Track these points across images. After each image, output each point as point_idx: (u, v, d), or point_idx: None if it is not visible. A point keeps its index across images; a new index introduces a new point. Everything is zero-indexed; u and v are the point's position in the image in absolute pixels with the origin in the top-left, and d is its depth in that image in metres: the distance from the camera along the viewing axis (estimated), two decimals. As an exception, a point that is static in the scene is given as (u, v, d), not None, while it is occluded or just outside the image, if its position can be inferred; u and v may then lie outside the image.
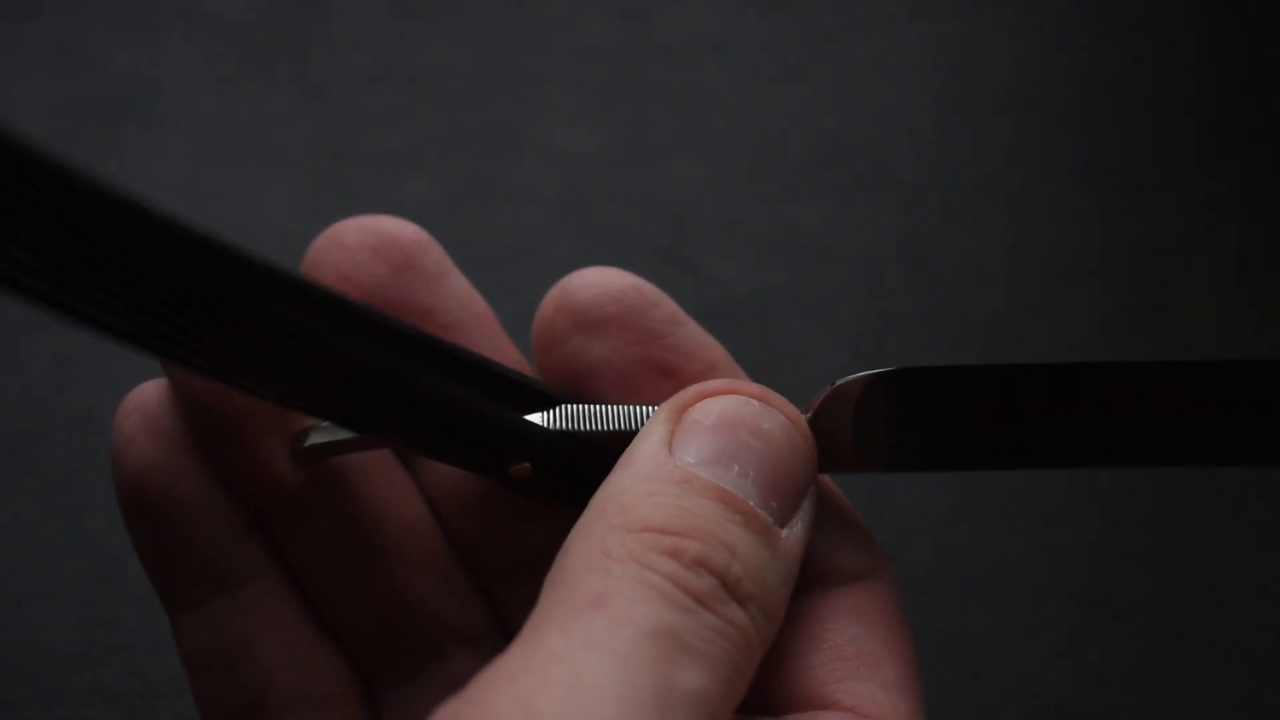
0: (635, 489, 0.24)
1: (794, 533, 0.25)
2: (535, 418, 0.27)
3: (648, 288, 0.28)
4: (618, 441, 0.26)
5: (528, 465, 0.26)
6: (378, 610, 0.28)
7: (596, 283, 0.28)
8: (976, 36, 0.49)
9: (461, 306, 0.29)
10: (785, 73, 0.48)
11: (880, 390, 0.27)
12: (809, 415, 0.27)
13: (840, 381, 0.27)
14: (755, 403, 0.26)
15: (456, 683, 0.27)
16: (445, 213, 0.45)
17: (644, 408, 0.27)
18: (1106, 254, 0.45)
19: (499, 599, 0.29)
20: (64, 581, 0.38)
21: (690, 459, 0.24)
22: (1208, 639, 0.37)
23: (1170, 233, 0.45)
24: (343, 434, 0.26)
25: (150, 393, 0.27)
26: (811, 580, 0.27)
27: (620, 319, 0.28)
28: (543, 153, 0.46)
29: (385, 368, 0.25)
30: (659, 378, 0.28)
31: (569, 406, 0.27)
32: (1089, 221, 0.45)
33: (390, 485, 0.28)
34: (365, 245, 0.28)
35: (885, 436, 0.27)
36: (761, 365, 0.42)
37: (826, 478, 0.28)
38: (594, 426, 0.27)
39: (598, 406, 0.27)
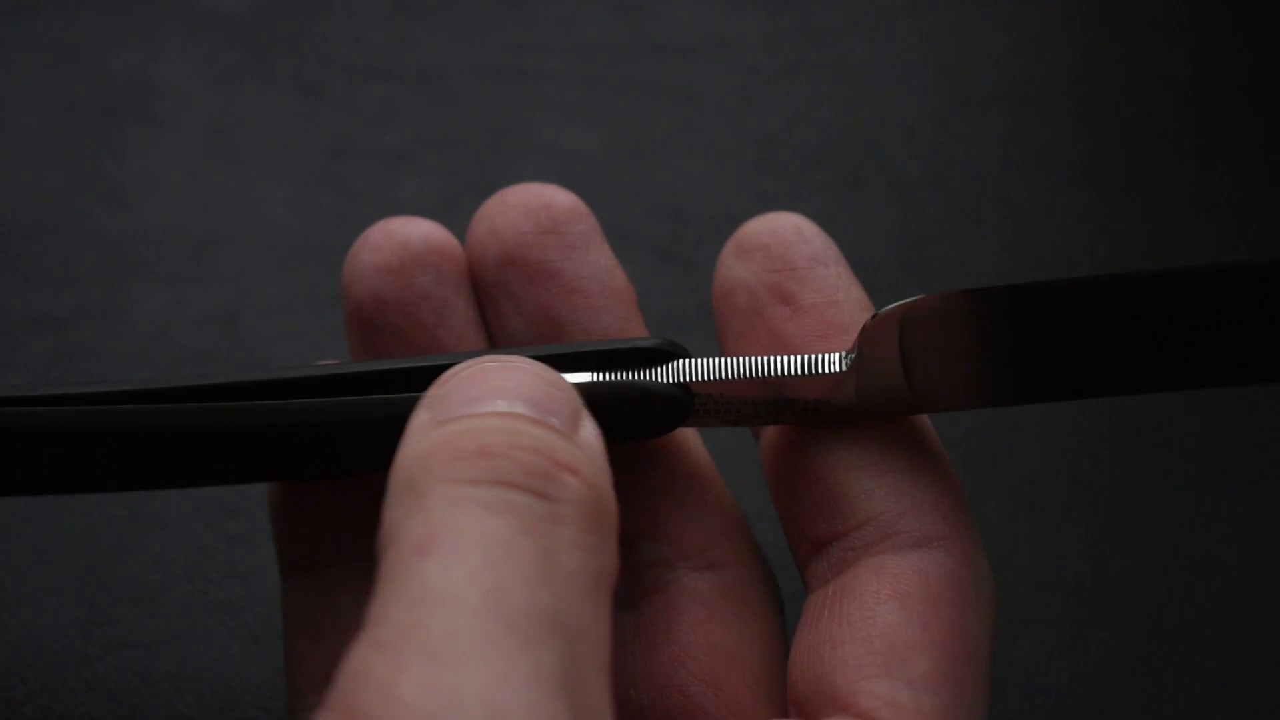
0: (414, 444, 0.24)
1: (587, 429, 0.25)
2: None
3: (811, 229, 0.30)
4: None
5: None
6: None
7: (769, 220, 0.30)
8: (975, 34, 0.49)
9: (593, 277, 0.30)
10: (783, 70, 0.48)
11: (927, 316, 0.27)
12: (852, 355, 0.27)
13: (879, 312, 0.27)
14: (492, 362, 0.26)
15: (683, 610, 0.28)
16: (444, 210, 0.45)
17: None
18: (1105, 251, 0.45)
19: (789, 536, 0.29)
20: (62, 579, 0.38)
21: (459, 411, 0.24)
22: (1207, 635, 0.37)
23: (1169, 230, 0.45)
24: None
25: None
26: (869, 544, 0.27)
27: (768, 249, 0.29)
28: (541, 150, 0.46)
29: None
30: (777, 303, 0.29)
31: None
32: (1088, 219, 0.45)
33: None
34: (521, 204, 0.30)
35: (938, 369, 0.27)
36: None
37: (930, 437, 0.28)
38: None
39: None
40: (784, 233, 0.29)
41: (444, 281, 0.30)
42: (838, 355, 0.28)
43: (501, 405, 0.24)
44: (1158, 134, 0.47)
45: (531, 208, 0.30)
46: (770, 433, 0.30)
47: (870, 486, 0.27)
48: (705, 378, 0.28)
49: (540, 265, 0.30)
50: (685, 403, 0.28)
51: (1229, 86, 0.48)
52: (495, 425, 0.24)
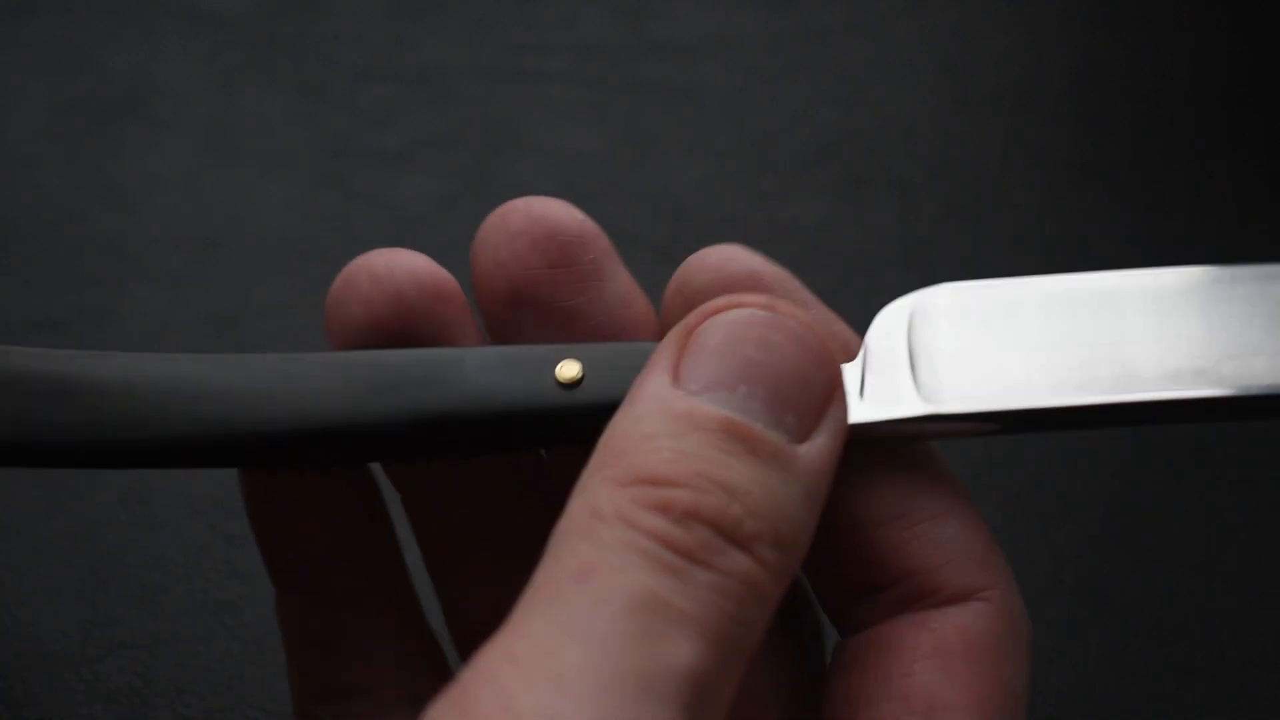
0: (632, 432, 0.23)
1: (816, 445, 0.24)
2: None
3: (768, 272, 0.27)
4: None
5: (576, 363, 0.26)
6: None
7: (716, 263, 0.28)
8: (974, 33, 0.49)
9: (610, 311, 0.28)
10: (783, 70, 0.48)
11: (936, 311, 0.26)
12: (862, 353, 0.26)
13: (887, 308, 0.27)
14: (761, 313, 0.24)
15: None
16: (443, 211, 0.45)
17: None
18: (1104, 250, 0.45)
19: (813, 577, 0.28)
20: (63, 580, 0.38)
21: (695, 386, 0.23)
22: (1206, 635, 0.37)
23: (1169, 229, 0.45)
24: None
25: None
26: (908, 600, 0.26)
27: (731, 277, 0.27)
28: (541, 150, 0.46)
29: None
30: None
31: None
32: (1087, 218, 0.45)
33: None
34: (525, 232, 0.28)
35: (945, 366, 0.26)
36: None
37: (948, 472, 0.27)
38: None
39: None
40: (741, 283, 0.27)
41: (449, 327, 0.28)
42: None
43: (739, 397, 0.23)
44: (1158, 133, 0.47)
45: (537, 237, 0.28)
46: None
47: (904, 541, 0.26)
48: None
49: (555, 308, 0.28)
50: None
51: (1229, 86, 0.48)
52: (704, 452, 0.23)
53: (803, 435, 0.24)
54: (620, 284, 0.28)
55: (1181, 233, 0.45)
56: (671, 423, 0.23)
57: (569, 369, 0.26)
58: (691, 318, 0.25)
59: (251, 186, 0.45)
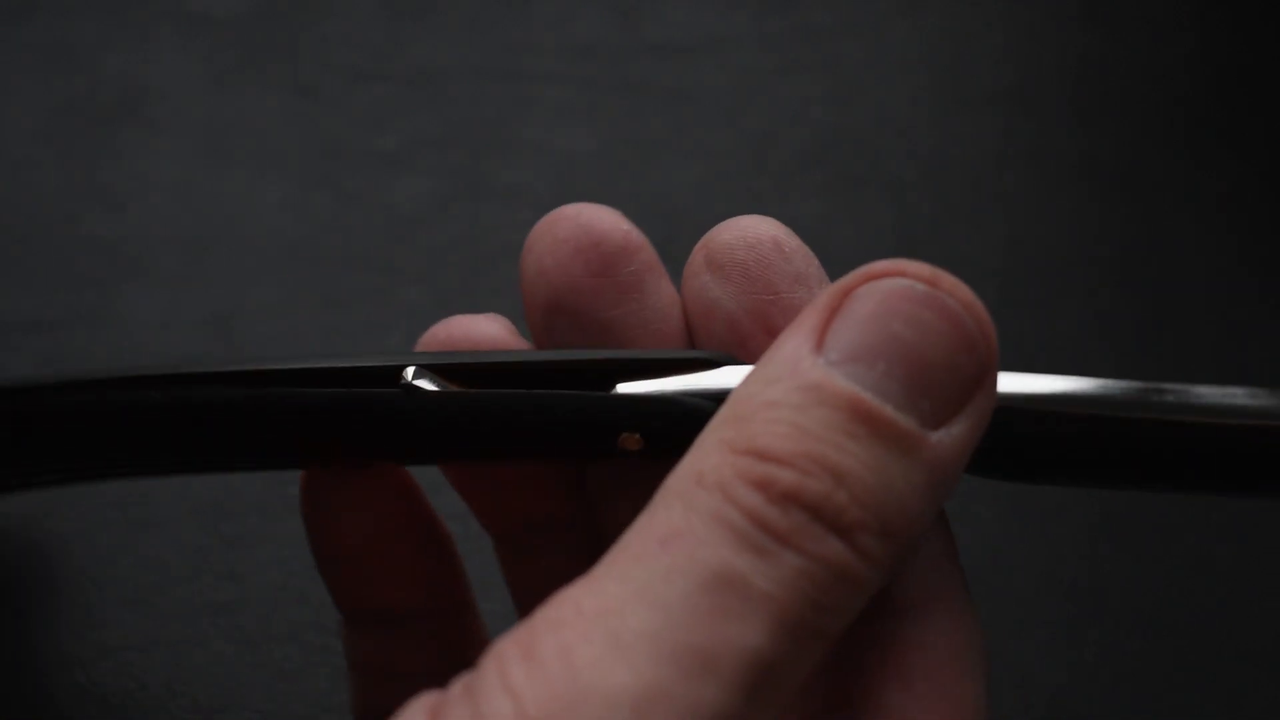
0: (758, 396, 0.22)
1: (951, 434, 0.23)
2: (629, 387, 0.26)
3: (790, 243, 0.27)
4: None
5: (637, 436, 0.26)
6: None
7: (742, 228, 0.27)
8: (969, 32, 0.49)
9: (646, 324, 0.27)
10: (777, 70, 0.48)
11: None
12: None
13: None
14: (920, 286, 0.23)
15: None
16: (437, 212, 0.45)
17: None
18: (1100, 250, 0.45)
19: None
20: (57, 582, 0.37)
21: (834, 356, 0.22)
22: (1202, 633, 0.37)
23: (1165, 228, 0.45)
24: None
25: None
26: (866, 613, 0.25)
27: (746, 266, 0.27)
28: (535, 151, 0.46)
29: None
30: (761, 333, 0.27)
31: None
32: (1082, 217, 0.45)
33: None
34: (570, 240, 0.27)
35: None
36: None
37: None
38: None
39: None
40: (762, 248, 0.27)
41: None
42: None
43: (876, 374, 0.22)
44: (1152, 133, 0.47)
45: (581, 245, 0.27)
46: None
47: None
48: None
49: (589, 317, 0.27)
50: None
51: (1223, 85, 0.48)
52: (823, 431, 0.22)
53: (939, 422, 0.23)
54: (661, 298, 0.28)
55: (1175, 233, 0.45)
56: (799, 393, 0.22)
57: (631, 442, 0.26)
58: (848, 279, 0.24)
59: (246, 188, 0.45)
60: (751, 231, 0.27)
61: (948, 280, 0.23)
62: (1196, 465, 0.25)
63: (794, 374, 0.22)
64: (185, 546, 0.38)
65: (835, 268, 0.44)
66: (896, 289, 0.23)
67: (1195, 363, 0.42)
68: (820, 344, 0.23)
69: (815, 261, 0.27)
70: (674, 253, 0.44)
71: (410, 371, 0.26)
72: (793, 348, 0.23)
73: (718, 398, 0.24)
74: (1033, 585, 0.38)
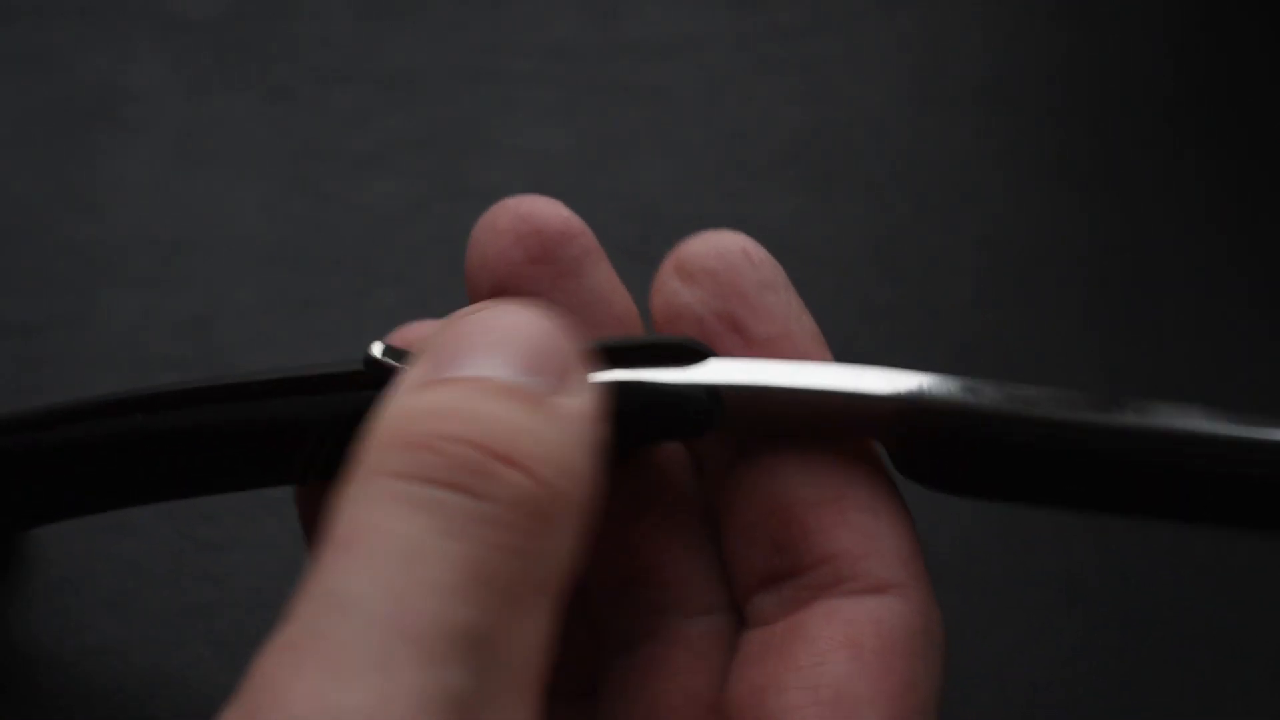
0: (390, 410, 0.23)
1: (573, 400, 0.24)
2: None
3: (759, 253, 0.28)
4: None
5: None
6: (617, 564, 0.27)
7: (711, 239, 0.28)
8: (946, 30, 0.49)
9: (586, 305, 0.28)
10: (753, 69, 0.48)
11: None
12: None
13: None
14: (507, 308, 0.25)
15: (669, 658, 0.27)
16: (414, 213, 0.45)
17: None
18: (1077, 249, 0.45)
19: (731, 565, 0.28)
20: (35, 585, 0.37)
21: (449, 369, 0.23)
22: (1177, 624, 0.38)
23: (1143, 226, 0.45)
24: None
25: None
26: (824, 586, 0.26)
27: (716, 273, 0.28)
28: (511, 152, 0.46)
29: None
30: (729, 332, 0.27)
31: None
32: (1059, 216, 0.45)
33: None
34: (510, 230, 0.28)
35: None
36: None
37: (884, 470, 0.27)
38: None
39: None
40: (731, 256, 0.28)
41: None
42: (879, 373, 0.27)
43: (485, 366, 0.23)
44: (1130, 130, 0.47)
45: (521, 233, 0.28)
46: (720, 456, 0.28)
47: (833, 524, 0.26)
48: (739, 382, 0.26)
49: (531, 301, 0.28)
50: (712, 409, 0.26)
51: (1199, 84, 0.48)
52: (458, 398, 0.22)
53: (552, 392, 0.24)
54: (601, 280, 0.29)
55: (1151, 230, 0.45)
56: (419, 390, 0.23)
57: None
58: (445, 322, 0.25)
59: (222, 190, 0.45)
60: (721, 242, 0.28)
61: (510, 301, 0.25)
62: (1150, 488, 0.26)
63: (419, 386, 0.23)
64: (163, 550, 0.38)
65: (811, 265, 0.44)
66: (489, 313, 0.24)
67: (1173, 362, 0.42)
68: (434, 366, 0.24)
69: (781, 271, 0.28)
70: (650, 252, 0.45)
71: (378, 347, 0.26)
72: (412, 374, 0.24)
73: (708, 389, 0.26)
74: (1010, 577, 0.38)
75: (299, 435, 0.27)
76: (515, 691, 0.21)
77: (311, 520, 0.29)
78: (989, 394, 0.26)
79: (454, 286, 0.43)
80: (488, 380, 0.23)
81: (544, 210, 0.28)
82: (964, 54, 0.49)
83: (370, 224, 0.45)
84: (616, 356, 0.27)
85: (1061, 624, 0.37)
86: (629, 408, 0.26)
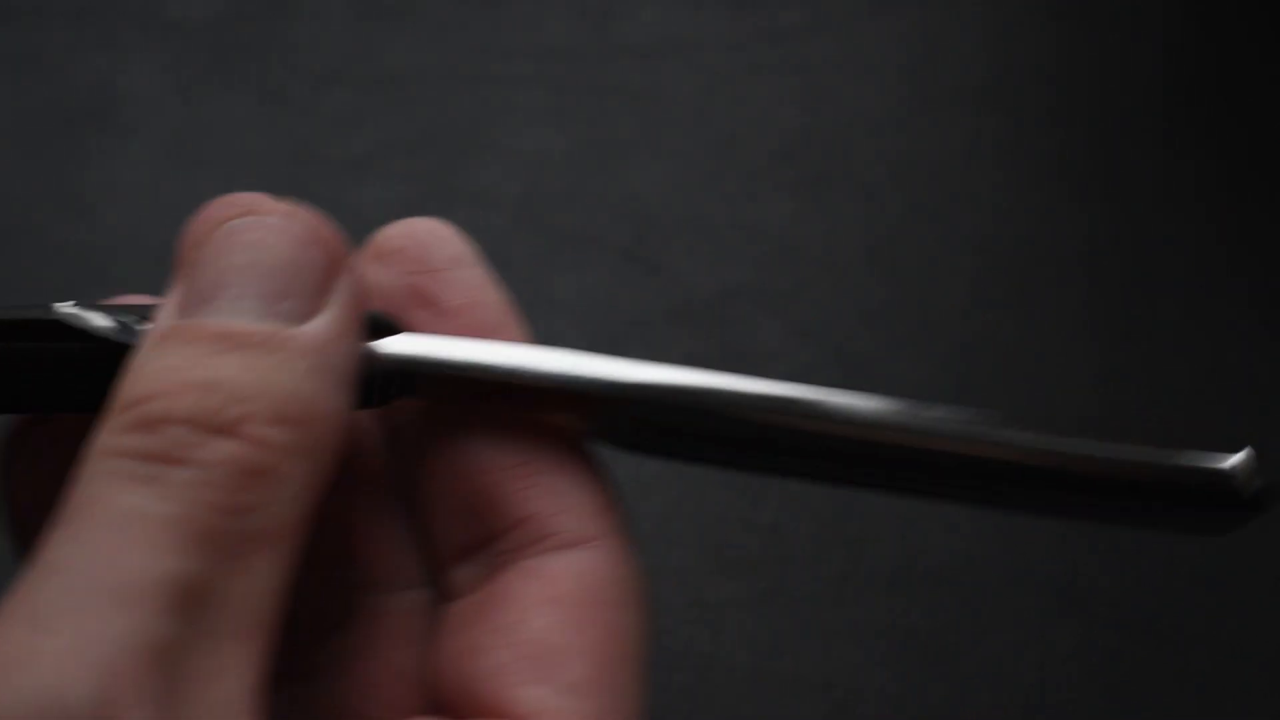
0: (129, 370, 0.23)
1: (320, 323, 0.24)
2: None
3: (445, 231, 0.29)
4: None
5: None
6: (313, 543, 0.27)
7: (404, 224, 0.29)
8: (938, 32, 0.49)
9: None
10: (747, 71, 0.48)
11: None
12: None
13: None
14: (243, 219, 0.25)
15: (372, 637, 0.27)
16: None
17: None
18: (1074, 250, 0.45)
19: (431, 542, 0.28)
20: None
21: (187, 305, 0.24)
22: (1174, 630, 0.37)
23: (1138, 227, 0.45)
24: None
25: None
26: (520, 548, 0.26)
27: (405, 251, 0.28)
28: (504, 154, 0.46)
29: None
30: (418, 306, 0.28)
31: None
32: (1055, 217, 0.45)
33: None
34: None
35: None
36: (726, 364, 0.42)
37: (574, 442, 0.28)
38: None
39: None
40: (421, 236, 0.29)
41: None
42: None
43: (227, 303, 0.24)
44: (1123, 131, 0.47)
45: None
46: (411, 430, 0.29)
47: (523, 487, 0.27)
48: (425, 354, 0.27)
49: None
50: (395, 382, 0.27)
51: (1194, 83, 0.48)
52: (183, 362, 0.23)
53: (306, 316, 0.24)
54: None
55: (1148, 231, 0.45)
56: (158, 346, 0.23)
57: None
58: (181, 253, 0.25)
59: (215, 193, 0.45)
60: (412, 225, 0.29)
61: (268, 204, 0.25)
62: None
63: (152, 336, 0.24)
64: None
65: (807, 267, 0.44)
66: (222, 232, 0.25)
67: (1170, 363, 0.42)
68: (179, 309, 0.24)
69: (471, 249, 0.29)
70: (644, 253, 0.45)
71: (66, 306, 0.26)
72: (157, 323, 0.24)
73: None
74: (1003, 582, 0.38)
75: None
76: (235, 639, 0.21)
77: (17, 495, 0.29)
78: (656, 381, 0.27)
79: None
80: (220, 331, 0.23)
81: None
82: (959, 55, 0.49)
83: (363, 227, 0.44)
84: None
85: (1058, 629, 0.37)
86: None
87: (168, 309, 0.24)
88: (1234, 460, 0.26)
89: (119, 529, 0.21)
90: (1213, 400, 0.42)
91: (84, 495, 0.22)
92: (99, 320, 0.26)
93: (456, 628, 0.26)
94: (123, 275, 0.43)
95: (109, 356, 0.25)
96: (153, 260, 0.43)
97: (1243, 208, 0.46)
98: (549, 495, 0.27)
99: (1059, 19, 0.50)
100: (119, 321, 0.26)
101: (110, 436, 0.22)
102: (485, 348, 0.27)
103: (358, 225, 0.44)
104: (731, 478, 0.39)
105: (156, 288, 0.43)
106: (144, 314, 0.26)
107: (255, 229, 0.25)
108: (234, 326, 0.23)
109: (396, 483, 0.28)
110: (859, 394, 0.26)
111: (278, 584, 0.22)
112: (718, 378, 0.27)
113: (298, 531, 0.23)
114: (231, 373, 0.23)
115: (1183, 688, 0.37)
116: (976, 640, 0.37)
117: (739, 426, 0.26)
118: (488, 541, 0.27)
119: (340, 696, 0.27)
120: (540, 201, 0.45)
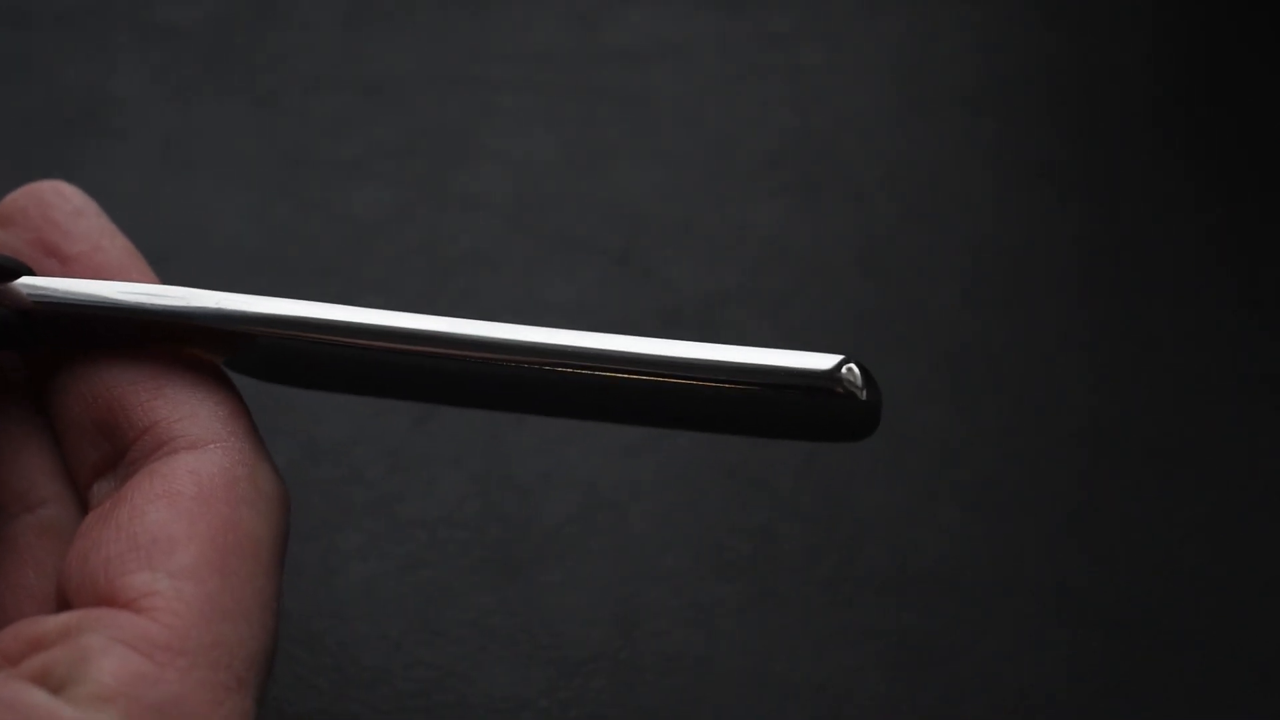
0: None
1: None
2: None
3: (66, 188, 0.31)
4: None
5: None
6: None
7: (28, 188, 0.31)
8: (930, 36, 0.49)
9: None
10: (738, 74, 0.48)
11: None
12: None
13: None
14: None
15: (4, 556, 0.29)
16: (399, 220, 0.44)
17: None
18: (1065, 252, 0.45)
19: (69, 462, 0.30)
20: None
21: None
22: (1166, 633, 0.37)
23: (1130, 230, 0.45)
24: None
25: None
26: (148, 451, 0.28)
27: (27, 211, 0.30)
28: (495, 158, 0.46)
29: None
30: (44, 257, 0.30)
31: None
32: (1047, 220, 0.45)
33: None
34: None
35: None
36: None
37: (201, 361, 0.29)
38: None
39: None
40: (42, 194, 0.30)
41: None
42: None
43: None
44: (1113, 134, 0.47)
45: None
46: (46, 361, 0.30)
47: (148, 399, 0.28)
48: (46, 292, 0.29)
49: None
50: (18, 326, 0.29)
51: (1184, 87, 0.48)
52: None
53: None
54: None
55: (1140, 234, 0.45)
56: None
57: None
58: None
59: (206, 198, 0.45)
60: (34, 188, 0.31)
61: None
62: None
63: None
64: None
65: (798, 271, 0.44)
66: None
67: (1163, 364, 0.42)
68: None
69: (94, 203, 0.31)
70: (635, 256, 0.45)
71: None
72: None
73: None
74: (995, 587, 0.38)
75: None
76: None
77: None
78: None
79: (439, 292, 0.43)
80: None
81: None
82: (950, 59, 0.49)
83: (355, 231, 0.44)
84: None
85: (1050, 632, 0.37)
86: None
87: None
88: (833, 361, 0.28)
89: None
90: (1208, 400, 0.42)
91: None
92: None
93: (83, 534, 0.27)
94: (113, 280, 0.43)
95: None
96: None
97: (1234, 209, 0.46)
98: (174, 404, 0.28)
99: (1050, 23, 0.50)
100: None
101: None
102: (101, 285, 0.29)
103: (349, 229, 0.44)
104: (724, 483, 0.40)
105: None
106: None
107: None
108: None
109: (34, 412, 0.30)
110: (465, 320, 0.29)
111: None
112: (320, 308, 0.29)
113: None
114: None
115: (1176, 691, 0.37)
116: (969, 643, 0.37)
117: (340, 352, 0.29)
118: (120, 456, 0.28)
119: None
120: (531, 205, 0.45)
